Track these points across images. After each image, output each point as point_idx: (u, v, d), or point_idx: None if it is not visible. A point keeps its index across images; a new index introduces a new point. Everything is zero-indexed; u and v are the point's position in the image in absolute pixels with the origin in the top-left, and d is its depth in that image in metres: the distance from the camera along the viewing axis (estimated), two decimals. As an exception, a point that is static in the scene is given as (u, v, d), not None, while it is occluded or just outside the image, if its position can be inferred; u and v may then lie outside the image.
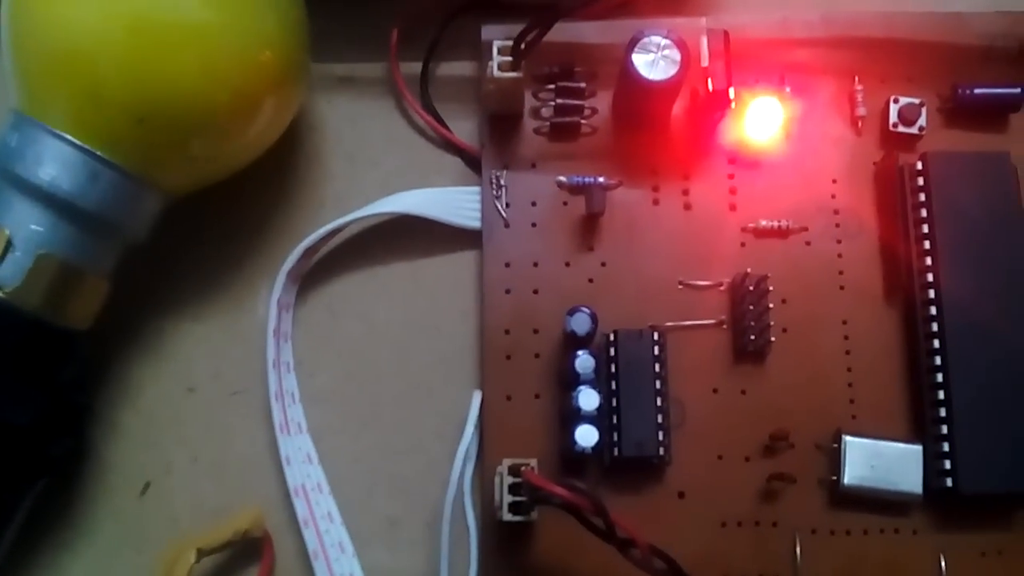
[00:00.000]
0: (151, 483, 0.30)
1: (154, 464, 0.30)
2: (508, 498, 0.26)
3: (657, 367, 0.28)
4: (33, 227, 0.26)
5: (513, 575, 0.28)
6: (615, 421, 0.28)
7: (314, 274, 0.31)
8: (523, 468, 0.26)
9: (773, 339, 0.29)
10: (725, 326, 0.30)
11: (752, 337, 0.29)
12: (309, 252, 0.30)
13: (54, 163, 0.26)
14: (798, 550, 0.28)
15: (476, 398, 0.29)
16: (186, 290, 0.31)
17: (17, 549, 0.28)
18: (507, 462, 0.26)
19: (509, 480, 0.26)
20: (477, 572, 0.28)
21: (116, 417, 0.30)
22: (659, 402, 0.28)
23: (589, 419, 0.27)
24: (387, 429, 0.30)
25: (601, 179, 0.30)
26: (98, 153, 0.26)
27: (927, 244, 0.29)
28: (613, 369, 0.28)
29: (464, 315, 0.30)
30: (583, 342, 0.28)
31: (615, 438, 0.28)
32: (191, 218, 0.30)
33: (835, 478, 0.28)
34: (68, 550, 0.29)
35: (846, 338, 0.30)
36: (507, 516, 0.26)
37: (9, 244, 0.26)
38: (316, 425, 0.30)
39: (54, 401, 0.27)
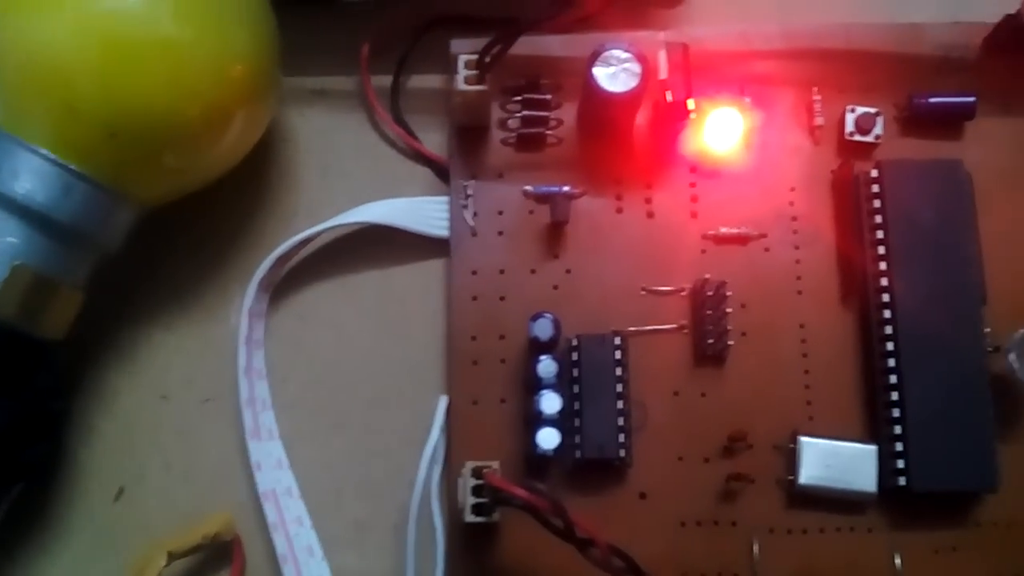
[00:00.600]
0: (125, 488, 0.30)
1: (128, 470, 0.30)
2: (471, 500, 0.27)
3: (619, 371, 0.29)
4: (8, 239, 0.27)
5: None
6: (577, 424, 0.29)
7: (286, 283, 0.32)
8: (485, 471, 0.27)
9: (732, 343, 0.30)
10: (686, 331, 0.30)
11: (711, 341, 0.30)
12: (281, 261, 0.31)
13: (29, 176, 0.27)
14: (756, 549, 0.29)
15: (442, 403, 0.30)
16: (160, 299, 0.31)
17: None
18: (470, 465, 0.27)
19: (472, 482, 0.27)
20: (444, 573, 0.28)
21: (91, 423, 0.31)
22: (620, 405, 0.29)
23: (551, 422, 0.28)
24: (356, 434, 0.31)
25: (566, 188, 0.30)
26: (72, 167, 0.27)
27: (882, 250, 0.30)
28: (576, 373, 0.29)
29: (432, 322, 0.31)
30: (546, 347, 0.29)
31: (577, 441, 0.29)
32: (165, 228, 0.31)
33: (792, 478, 0.29)
34: (44, 553, 0.30)
35: (803, 342, 0.30)
36: (470, 517, 0.27)
37: (-16, 255, 0.26)
38: (287, 431, 0.30)
39: (28, 408, 0.27)
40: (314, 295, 0.32)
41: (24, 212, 0.27)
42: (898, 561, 0.29)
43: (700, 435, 0.30)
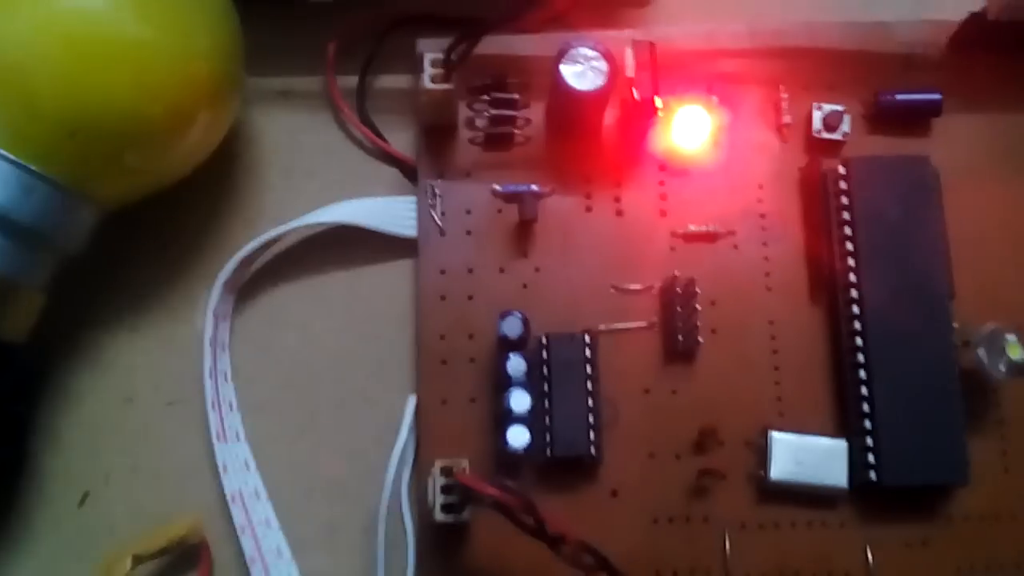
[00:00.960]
0: (90, 492, 0.30)
1: (93, 473, 0.30)
2: (440, 498, 0.27)
3: (589, 369, 0.29)
4: (-34, 240, 0.26)
5: (449, 576, 0.28)
6: (547, 422, 0.29)
7: (252, 284, 0.31)
8: (455, 469, 0.26)
9: (702, 340, 0.30)
10: (656, 328, 0.30)
11: (681, 338, 0.30)
12: (246, 262, 0.31)
13: (-12, 177, 0.26)
14: (728, 544, 0.29)
15: (411, 402, 0.29)
16: (123, 301, 0.31)
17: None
18: (439, 463, 0.27)
19: (441, 481, 0.27)
20: (414, 574, 0.28)
21: (55, 427, 0.30)
22: (590, 403, 0.29)
23: (521, 420, 0.28)
24: (324, 435, 0.30)
25: (534, 187, 0.30)
26: (31, 167, 0.27)
27: (850, 246, 0.30)
28: (545, 371, 0.29)
29: (400, 322, 0.31)
30: (516, 345, 0.29)
31: (547, 439, 0.28)
32: (128, 229, 0.31)
33: (763, 473, 0.29)
34: (9, 559, 0.29)
35: (773, 338, 0.30)
36: (440, 516, 0.27)
37: (-58, 258, 0.26)
38: (253, 432, 0.30)
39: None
40: (281, 296, 0.31)
41: (-17, 213, 0.26)
42: (870, 556, 0.29)
43: (671, 432, 0.30)
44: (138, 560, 0.27)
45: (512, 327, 0.28)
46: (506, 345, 0.29)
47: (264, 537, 0.29)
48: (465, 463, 0.27)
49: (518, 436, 0.28)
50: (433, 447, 0.29)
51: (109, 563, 0.27)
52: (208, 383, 0.30)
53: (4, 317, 0.27)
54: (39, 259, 0.28)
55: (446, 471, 0.27)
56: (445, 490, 0.27)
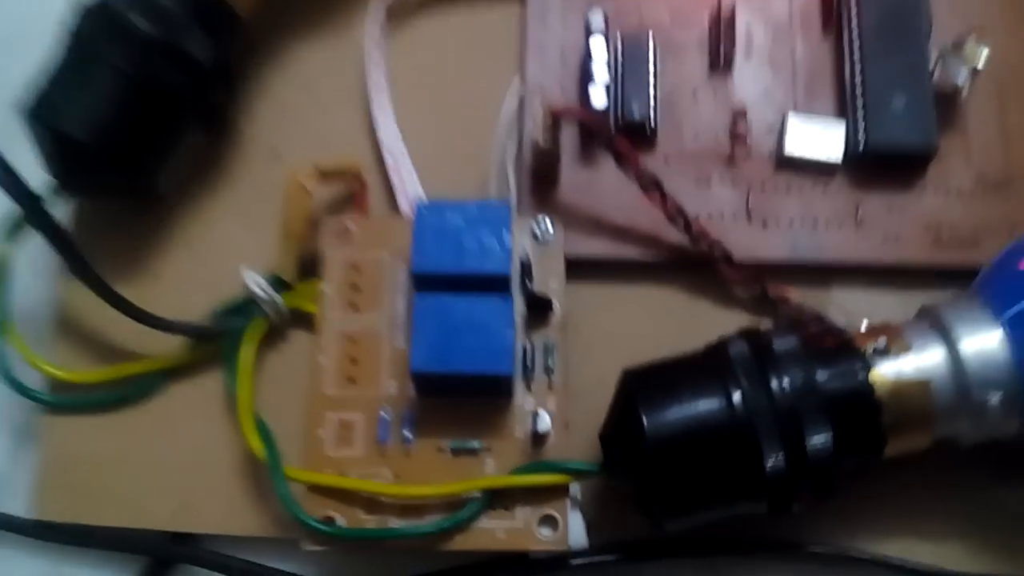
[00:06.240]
0: (279, 152, 0.41)
1: (280, 138, 0.40)
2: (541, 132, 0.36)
3: (651, 63, 0.39)
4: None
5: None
6: (620, 97, 0.39)
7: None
8: (543, 104, 0.36)
9: (738, 57, 0.40)
10: (704, 46, 0.40)
11: (723, 55, 0.40)
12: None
13: None
14: (750, 197, 0.39)
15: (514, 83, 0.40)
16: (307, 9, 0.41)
17: (175, 195, 0.39)
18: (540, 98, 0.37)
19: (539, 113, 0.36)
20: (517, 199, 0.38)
21: (248, 100, 0.41)
22: (652, 90, 0.39)
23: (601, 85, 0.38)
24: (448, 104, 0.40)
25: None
26: None
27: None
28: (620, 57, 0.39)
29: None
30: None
31: (619, 109, 0.38)
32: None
33: (780, 148, 0.39)
34: (211, 200, 0.40)
35: (793, 60, 0.40)
36: (540, 142, 0.36)
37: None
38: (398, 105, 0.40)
39: (222, 55, 0.38)
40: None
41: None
42: (859, 214, 0.38)
43: (712, 118, 0.39)
44: (320, 173, 0.37)
45: (597, 17, 0.39)
46: (590, 32, 0.39)
47: (406, 180, 0.39)
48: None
49: (598, 96, 0.38)
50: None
51: (297, 175, 0.37)
52: (370, 72, 0.40)
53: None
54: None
55: (546, 108, 0.36)
56: (544, 122, 0.36)
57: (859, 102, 0.39)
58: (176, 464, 0.36)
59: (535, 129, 0.36)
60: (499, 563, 0.34)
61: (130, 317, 0.36)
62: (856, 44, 0.39)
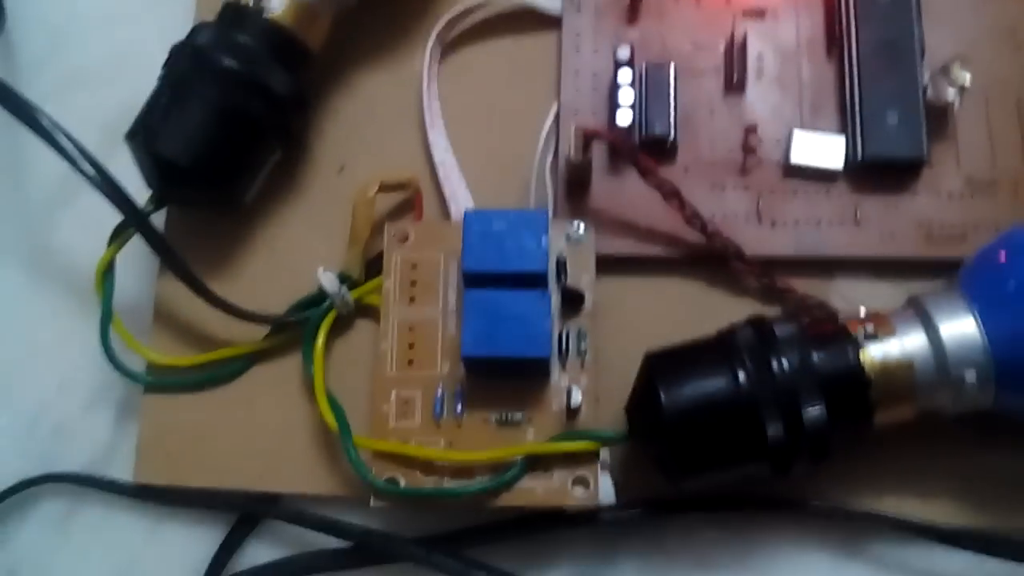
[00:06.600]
0: (345, 166, 0.46)
1: (347, 155, 0.46)
2: (575, 149, 0.42)
3: (672, 90, 0.44)
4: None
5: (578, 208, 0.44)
6: (643, 115, 0.44)
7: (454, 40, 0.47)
8: (577, 126, 0.41)
9: (750, 79, 0.45)
10: (719, 72, 0.45)
11: (736, 77, 0.45)
12: (451, 23, 0.47)
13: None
14: (760, 203, 0.44)
15: (553, 108, 0.45)
16: (369, 41, 0.47)
17: (255, 204, 0.44)
18: (574, 124, 0.42)
19: (574, 134, 0.42)
20: (553, 204, 0.43)
21: (319, 121, 0.46)
22: (672, 106, 0.44)
23: (627, 106, 0.43)
24: (493, 128, 0.46)
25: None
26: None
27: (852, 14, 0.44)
28: (643, 85, 0.44)
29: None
30: (625, 64, 0.44)
31: (643, 125, 0.44)
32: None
33: (787, 158, 0.44)
34: (284, 212, 0.45)
35: (800, 79, 0.45)
36: (574, 158, 0.42)
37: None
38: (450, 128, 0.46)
39: (297, 87, 0.43)
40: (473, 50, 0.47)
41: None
42: (858, 214, 0.43)
43: (727, 134, 0.44)
44: (383, 186, 0.43)
45: (624, 52, 0.44)
46: (618, 64, 0.44)
47: (456, 189, 0.45)
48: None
49: (624, 117, 0.43)
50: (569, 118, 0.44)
51: (364, 186, 0.43)
52: (425, 97, 0.46)
53: (311, 29, 0.44)
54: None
55: (579, 129, 0.42)
56: (577, 141, 0.42)
57: (858, 117, 0.43)
58: (260, 435, 0.42)
59: (569, 146, 0.41)
60: (540, 517, 0.39)
61: (219, 309, 0.41)
62: (855, 66, 0.44)
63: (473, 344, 0.38)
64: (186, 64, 0.41)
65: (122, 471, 0.42)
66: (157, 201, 0.42)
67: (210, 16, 0.43)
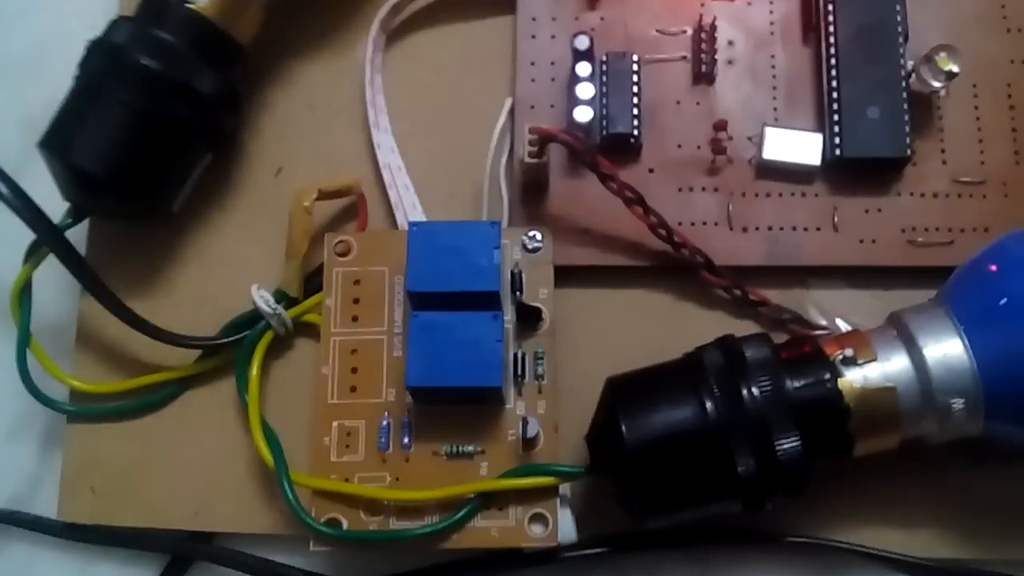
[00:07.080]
0: (283, 168, 0.43)
1: (284, 156, 0.42)
2: (528, 148, 0.38)
3: (635, 79, 0.41)
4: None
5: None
6: (604, 111, 0.40)
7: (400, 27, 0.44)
8: (530, 126, 0.38)
9: (720, 68, 0.41)
10: (688, 59, 0.42)
11: (704, 66, 0.41)
12: (396, 8, 0.43)
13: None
14: (730, 206, 0.40)
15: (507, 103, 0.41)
16: (310, 34, 0.43)
17: (184, 211, 0.41)
18: (528, 126, 0.39)
19: (528, 136, 0.38)
20: (508, 212, 0.40)
21: (253, 121, 0.43)
22: (635, 102, 0.40)
23: (586, 103, 0.40)
24: (442, 134, 0.42)
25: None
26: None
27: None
28: (604, 78, 0.41)
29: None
30: (584, 56, 0.40)
31: (604, 121, 0.40)
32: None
33: (759, 155, 0.40)
34: (222, 212, 0.42)
35: (773, 67, 0.42)
36: (528, 160, 0.38)
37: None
38: (396, 128, 0.42)
39: (226, 85, 0.40)
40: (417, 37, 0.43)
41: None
42: (836, 218, 0.40)
43: (695, 129, 0.41)
44: (322, 194, 0.40)
45: (582, 42, 0.40)
46: (577, 55, 0.40)
47: (403, 195, 0.41)
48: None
49: (583, 113, 0.40)
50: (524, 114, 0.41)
51: (300, 194, 0.39)
52: (368, 90, 0.42)
53: (239, 21, 0.40)
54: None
55: (532, 130, 0.38)
56: (531, 143, 0.38)
57: (836, 111, 0.40)
58: (192, 467, 0.39)
59: (523, 147, 0.37)
60: (495, 559, 0.36)
61: (145, 334, 0.38)
62: (834, 53, 0.40)
63: (419, 374, 0.35)
64: (102, 64, 0.38)
65: (48, 507, 0.39)
66: (76, 214, 0.38)
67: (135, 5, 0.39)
